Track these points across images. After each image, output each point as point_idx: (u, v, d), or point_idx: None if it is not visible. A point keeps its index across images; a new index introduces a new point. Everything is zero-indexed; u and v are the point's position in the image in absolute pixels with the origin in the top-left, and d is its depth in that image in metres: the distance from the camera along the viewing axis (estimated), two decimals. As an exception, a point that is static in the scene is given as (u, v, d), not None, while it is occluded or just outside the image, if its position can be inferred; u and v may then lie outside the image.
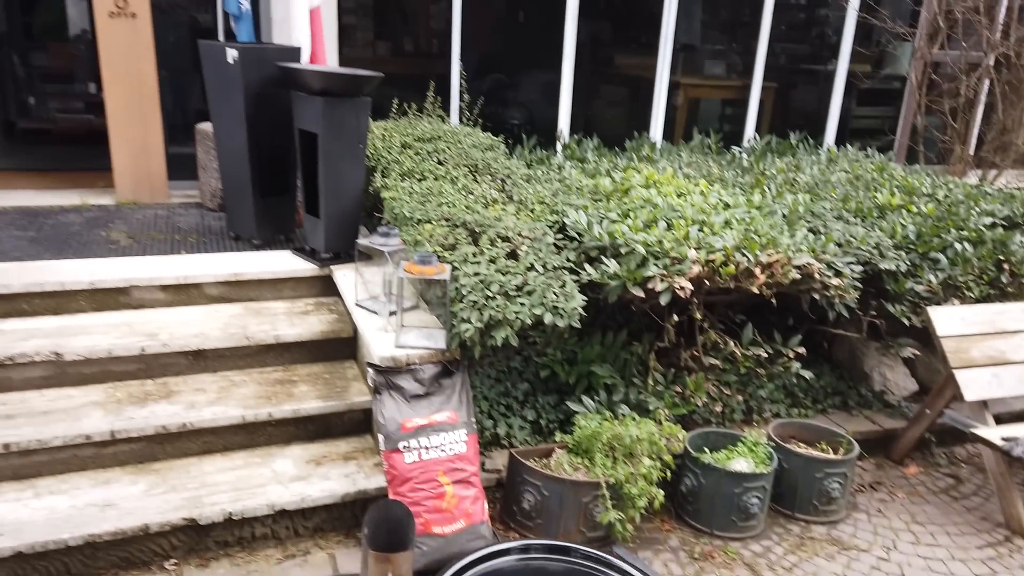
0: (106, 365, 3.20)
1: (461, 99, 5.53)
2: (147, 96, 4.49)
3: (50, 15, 6.78)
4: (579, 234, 3.40)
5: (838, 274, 3.46)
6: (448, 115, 5.56)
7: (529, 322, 2.77)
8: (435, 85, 5.24)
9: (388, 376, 2.86)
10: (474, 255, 3.03)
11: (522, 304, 2.81)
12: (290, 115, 3.73)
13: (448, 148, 4.24)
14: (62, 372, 3.15)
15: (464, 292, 2.87)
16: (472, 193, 3.73)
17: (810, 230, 3.78)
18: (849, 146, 5.77)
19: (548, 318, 2.78)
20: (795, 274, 3.31)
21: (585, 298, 2.98)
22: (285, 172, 4.03)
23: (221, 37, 4.53)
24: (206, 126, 4.56)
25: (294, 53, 3.93)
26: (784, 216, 3.90)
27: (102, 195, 4.85)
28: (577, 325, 2.86)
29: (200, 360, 3.33)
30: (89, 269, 3.55)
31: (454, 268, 2.99)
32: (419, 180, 3.81)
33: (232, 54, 3.62)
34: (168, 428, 2.97)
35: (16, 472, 2.84)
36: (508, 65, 6.15)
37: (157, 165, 4.68)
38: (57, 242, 3.92)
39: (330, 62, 4.53)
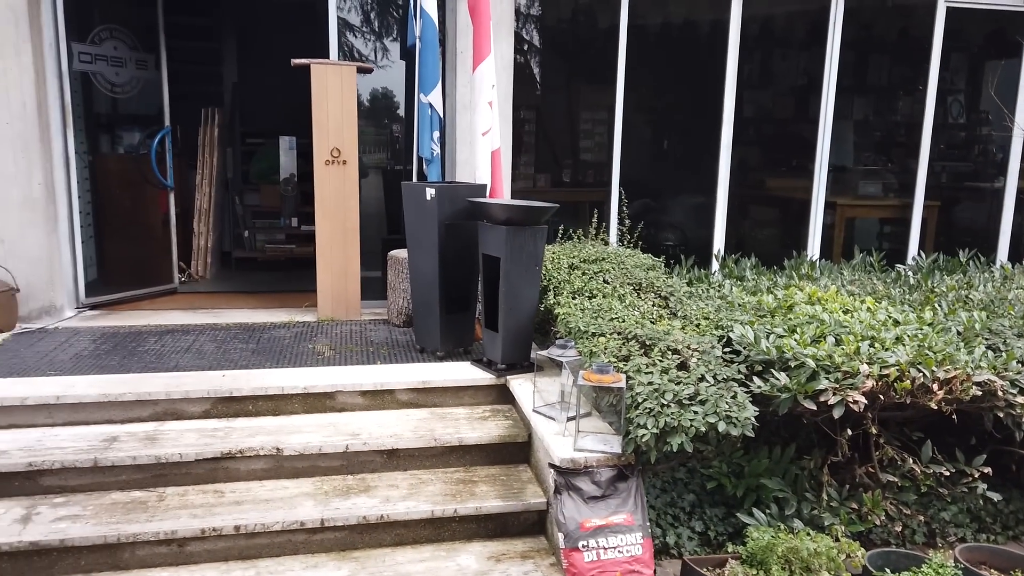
0: (315, 461, 3.63)
1: (620, 223, 5.92)
2: (350, 229, 5.21)
3: (266, 163, 8.01)
4: (745, 348, 3.55)
5: (1023, 392, 3.36)
6: (608, 238, 5.94)
7: (703, 430, 2.92)
8: (595, 211, 5.69)
9: (568, 477, 3.07)
10: (647, 366, 3.26)
11: (695, 412, 2.97)
12: (473, 242, 4.23)
13: (612, 268, 4.57)
14: (279, 466, 3.61)
15: (640, 400, 3.08)
16: (638, 309, 3.99)
17: (989, 347, 3.70)
18: (1025, 263, 5.58)
19: (722, 426, 2.92)
20: (976, 391, 3.26)
21: (756, 409, 3.10)
22: (467, 292, 4.50)
23: (414, 177, 5.21)
24: (397, 253, 5.18)
25: (481, 189, 4.49)
26: (959, 333, 3.85)
27: (304, 313, 5.55)
28: (751, 434, 2.97)
29: (393, 459, 3.70)
30: (303, 376, 4.08)
31: (628, 378, 3.22)
32: (589, 298, 4.14)
33: (430, 192, 4.20)
34: (368, 519, 3.31)
35: (242, 552, 3.25)
36: (662, 190, 6.54)
37: (353, 287, 5.33)
38: (274, 353, 4.54)
39: (504, 195, 5.07)
